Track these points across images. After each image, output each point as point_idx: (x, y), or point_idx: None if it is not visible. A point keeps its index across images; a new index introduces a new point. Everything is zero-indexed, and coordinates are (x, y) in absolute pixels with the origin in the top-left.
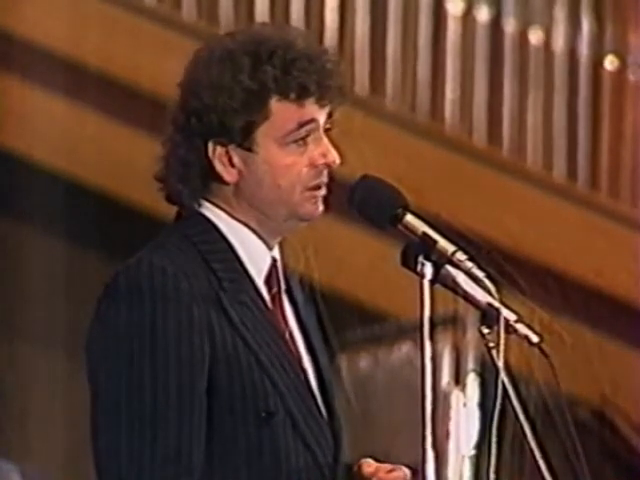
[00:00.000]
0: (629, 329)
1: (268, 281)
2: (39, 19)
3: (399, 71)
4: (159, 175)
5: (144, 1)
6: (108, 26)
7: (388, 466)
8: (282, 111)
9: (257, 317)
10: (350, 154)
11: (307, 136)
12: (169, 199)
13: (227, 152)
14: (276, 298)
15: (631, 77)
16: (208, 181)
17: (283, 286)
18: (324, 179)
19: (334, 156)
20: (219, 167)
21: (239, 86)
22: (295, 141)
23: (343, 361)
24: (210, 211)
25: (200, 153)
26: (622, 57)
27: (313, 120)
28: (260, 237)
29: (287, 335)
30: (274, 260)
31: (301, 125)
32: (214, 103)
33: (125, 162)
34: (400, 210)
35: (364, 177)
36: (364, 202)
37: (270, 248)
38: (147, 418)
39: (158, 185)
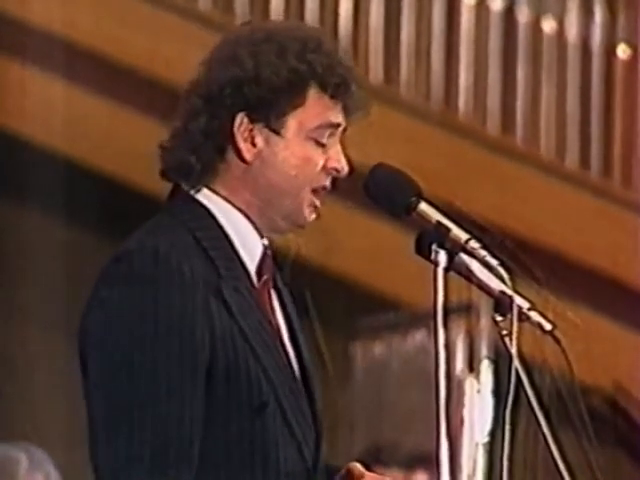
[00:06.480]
0: None
1: (259, 269)
2: (55, 5)
3: (413, 60)
4: (165, 143)
5: None
6: (123, 14)
7: (377, 476)
8: (317, 103)
9: (251, 306)
10: (365, 143)
11: (328, 138)
12: (165, 174)
13: (252, 130)
14: (265, 287)
15: None
16: (219, 159)
17: (272, 275)
18: (328, 184)
19: (345, 165)
20: (241, 142)
21: (285, 64)
22: (317, 139)
23: (358, 349)
24: (205, 197)
25: (223, 125)
26: (634, 46)
27: (339, 125)
28: (254, 225)
29: (275, 325)
30: (265, 248)
31: (331, 125)
32: (257, 75)
33: (127, 144)
34: (414, 198)
35: (378, 165)
36: (378, 190)
37: (262, 236)
38: (149, 404)
39: (158, 160)
